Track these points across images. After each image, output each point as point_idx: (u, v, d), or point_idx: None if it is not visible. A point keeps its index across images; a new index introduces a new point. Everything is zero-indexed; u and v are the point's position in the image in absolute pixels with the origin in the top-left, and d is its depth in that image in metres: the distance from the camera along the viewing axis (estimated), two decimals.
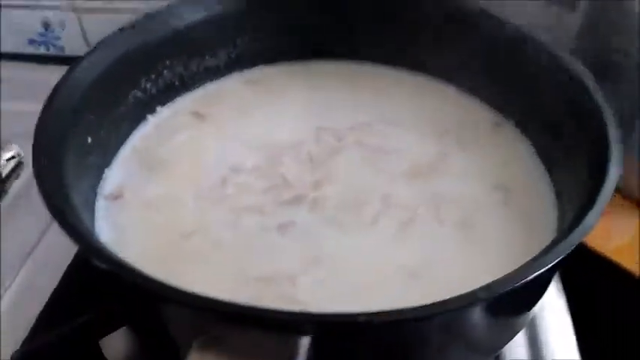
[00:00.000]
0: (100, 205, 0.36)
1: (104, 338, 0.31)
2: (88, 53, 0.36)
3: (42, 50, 0.67)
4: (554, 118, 0.38)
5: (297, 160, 0.39)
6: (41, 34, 0.66)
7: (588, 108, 0.34)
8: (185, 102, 0.44)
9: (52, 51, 0.67)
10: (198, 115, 0.43)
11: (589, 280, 0.43)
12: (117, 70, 0.38)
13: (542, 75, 0.39)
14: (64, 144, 0.32)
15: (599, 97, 0.34)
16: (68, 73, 0.35)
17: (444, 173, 0.39)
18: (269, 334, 0.24)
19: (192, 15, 0.42)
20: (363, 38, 0.46)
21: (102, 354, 0.30)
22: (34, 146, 0.29)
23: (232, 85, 0.46)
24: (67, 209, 0.28)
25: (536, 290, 0.32)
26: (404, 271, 0.33)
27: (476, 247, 0.34)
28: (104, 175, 0.38)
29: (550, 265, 0.25)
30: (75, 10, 0.64)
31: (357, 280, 0.32)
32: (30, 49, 0.67)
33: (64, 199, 0.29)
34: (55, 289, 0.40)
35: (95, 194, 0.36)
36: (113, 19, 0.41)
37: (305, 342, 0.23)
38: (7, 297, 0.41)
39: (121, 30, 0.38)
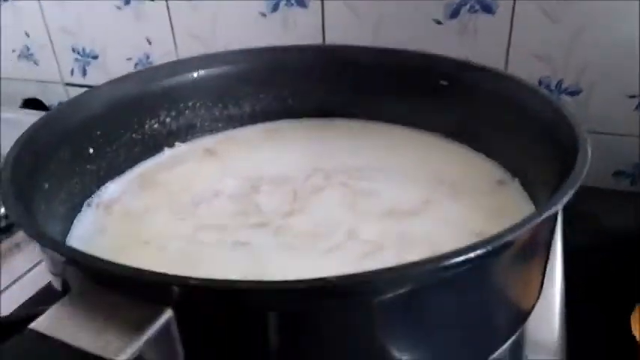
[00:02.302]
0: (90, 205, 0.39)
1: None
2: (112, 81, 0.42)
3: None
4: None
5: (280, 192, 0.40)
6: None
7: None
8: (204, 141, 0.48)
9: None
10: (209, 152, 0.46)
11: None
12: (135, 101, 0.43)
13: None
14: (59, 145, 0.36)
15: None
16: (87, 92, 0.40)
17: (421, 217, 0.37)
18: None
19: (217, 66, 0.46)
20: (379, 102, 0.47)
21: None
22: (18, 138, 0.33)
23: (252, 132, 0.49)
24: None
25: None
26: None
27: None
28: (105, 186, 0.41)
29: None
30: None
31: None
32: None
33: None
34: None
35: (89, 194, 0.40)
36: None
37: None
38: None
39: (146, 69, 0.44)
